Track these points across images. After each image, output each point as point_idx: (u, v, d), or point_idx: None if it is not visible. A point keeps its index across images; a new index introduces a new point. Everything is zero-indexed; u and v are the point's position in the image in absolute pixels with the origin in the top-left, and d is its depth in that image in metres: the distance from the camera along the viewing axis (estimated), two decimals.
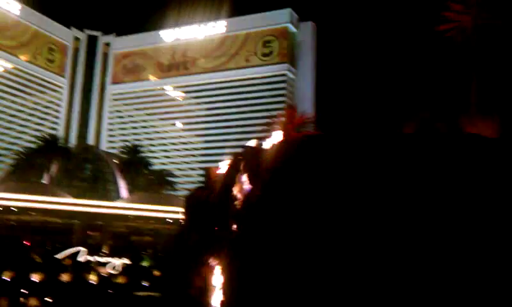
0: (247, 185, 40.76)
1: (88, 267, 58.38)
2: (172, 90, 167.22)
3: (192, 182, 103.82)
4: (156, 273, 53.63)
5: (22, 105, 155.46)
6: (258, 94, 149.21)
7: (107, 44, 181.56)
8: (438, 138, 19.46)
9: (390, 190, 17.56)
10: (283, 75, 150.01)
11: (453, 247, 15.82)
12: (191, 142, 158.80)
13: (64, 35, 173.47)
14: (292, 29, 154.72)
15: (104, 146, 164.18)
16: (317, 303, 17.70)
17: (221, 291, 25.41)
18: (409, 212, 16.83)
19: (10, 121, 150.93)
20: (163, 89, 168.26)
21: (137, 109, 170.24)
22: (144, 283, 52.41)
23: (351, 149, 20.56)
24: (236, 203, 38.64)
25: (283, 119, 60.63)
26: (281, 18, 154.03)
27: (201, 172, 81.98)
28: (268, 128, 59.14)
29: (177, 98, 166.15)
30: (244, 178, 41.16)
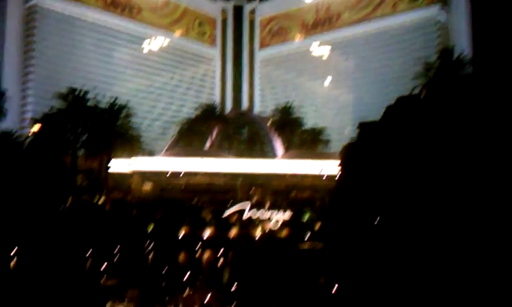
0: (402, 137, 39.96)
1: (253, 222, 62.12)
2: (318, 47, 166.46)
3: (345, 138, 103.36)
4: (316, 226, 55.33)
5: (181, 78, 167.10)
6: (408, 41, 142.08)
7: (252, 11, 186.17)
8: None
9: None
10: (435, 17, 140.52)
11: None
12: (342, 98, 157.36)
13: (211, 8, 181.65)
14: None
15: (257, 109, 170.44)
16: None
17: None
18: None
19: (171, 96, 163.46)
20: (310, 47, 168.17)
21: (285, 70, 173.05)
22: (306, 236, 54.43)
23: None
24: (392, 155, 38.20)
25: (437, 64, 57.45)
26: None
27: (353, 127, 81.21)
28: (421, 76, 56.60)
29: (324, 54, 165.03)
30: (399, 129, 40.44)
